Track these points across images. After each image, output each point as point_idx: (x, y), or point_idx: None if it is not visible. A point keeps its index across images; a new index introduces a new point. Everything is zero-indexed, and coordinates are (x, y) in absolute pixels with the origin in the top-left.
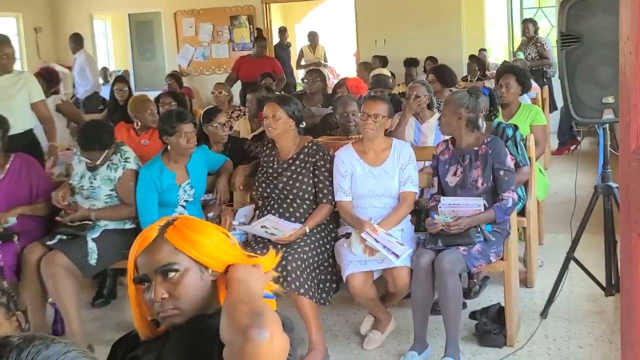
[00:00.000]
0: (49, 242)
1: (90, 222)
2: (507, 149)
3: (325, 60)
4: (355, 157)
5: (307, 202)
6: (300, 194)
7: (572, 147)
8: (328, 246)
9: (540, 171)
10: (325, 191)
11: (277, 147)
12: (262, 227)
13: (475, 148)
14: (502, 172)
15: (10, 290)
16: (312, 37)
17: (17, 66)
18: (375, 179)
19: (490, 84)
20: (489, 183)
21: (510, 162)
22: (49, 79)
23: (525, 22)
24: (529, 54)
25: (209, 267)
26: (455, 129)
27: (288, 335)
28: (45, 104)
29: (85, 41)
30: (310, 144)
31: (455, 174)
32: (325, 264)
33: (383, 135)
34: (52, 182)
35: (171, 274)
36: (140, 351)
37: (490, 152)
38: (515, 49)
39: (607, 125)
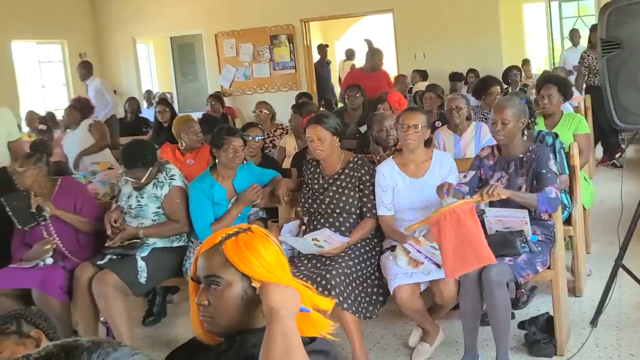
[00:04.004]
0: (99, 262)
1: (139, 241)
2: (552, 158)
3: None
4: (396, 170)
5: (354, 216)
6: (347, 208)
7: (617, 155)
8: (373, 260)
9: (586, 179)
10: (370, 205)
11: (322, 163)
12: (313, 239)
13: (521, 155)
14: (544, 171)
15: (21, 312)
16: (350, 54)
17: (63, 91)
18: (417, 191)
19: (531, 95)
20: (533, 190)
21: (553, 166)
22: (81, 108)
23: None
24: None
25: (255, 279)
26: (516, 136)
27: None
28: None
29: (129, 65)
30: (355, 159)
31: (499, 180)
32: (372, 277)
33: (423, 147)
34: (98, 205)
35: (214, 286)
36: None
37: (534, 157)
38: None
39: None
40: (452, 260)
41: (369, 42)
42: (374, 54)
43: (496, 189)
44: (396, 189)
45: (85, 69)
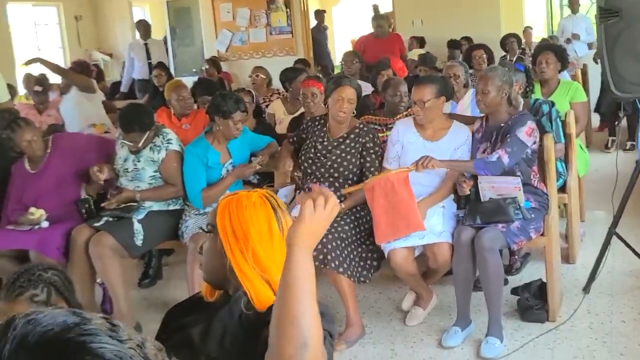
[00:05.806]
0: (96, 224)
1: (136, 204)
2: (529, 125)
3: None
4: (412, 129)
5: (350, 182)
6: (346, 173)
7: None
8: (368, 225)
9: (582, 148)
10: (372, 169)
11: (331, 123)
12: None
13: (502, 124)
14: (507, 135)
15: (52, 280)
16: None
17: (59, 55)
18: (428, 152)
19: (528, 63)
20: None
21: (524, 135)
22: (80, 72)
23: None
24: None
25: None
26: (499, 105)
27: (329, 327)
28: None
29: (125, 28)
30: (361, 125)
31: (484, 151)
32: (367, 242)
33: (442, 116)
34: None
35: (209, 233)
36: (189, 320)
37: (510, 124)
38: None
39: None
40: (383, 225)
41: (375, 8)
42: (377, 20)
43: (430, 160)
44: (407, 147)
45: (146, 30)
